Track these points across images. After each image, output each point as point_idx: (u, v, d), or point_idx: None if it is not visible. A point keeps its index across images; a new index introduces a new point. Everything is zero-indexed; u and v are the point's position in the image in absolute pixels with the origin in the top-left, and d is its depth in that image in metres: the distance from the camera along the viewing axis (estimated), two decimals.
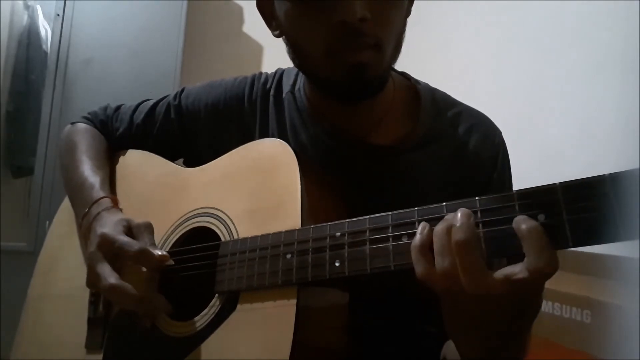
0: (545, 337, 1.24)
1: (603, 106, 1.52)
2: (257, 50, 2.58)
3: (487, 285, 0.41)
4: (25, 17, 2.28)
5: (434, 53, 2.24)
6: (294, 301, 0.51)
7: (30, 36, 2.25)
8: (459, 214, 0.43)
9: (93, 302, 0.71)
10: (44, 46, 2.25)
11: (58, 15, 2.01)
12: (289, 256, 0.53)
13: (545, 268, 0.39)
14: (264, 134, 0.73)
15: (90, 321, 0.70)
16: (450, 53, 2.19)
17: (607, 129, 1.49)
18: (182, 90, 0.82)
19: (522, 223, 0.40)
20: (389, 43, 0.60)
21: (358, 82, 0.59)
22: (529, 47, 1.82)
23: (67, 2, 2.01)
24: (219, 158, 0.70)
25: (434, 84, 0.75)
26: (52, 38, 2.06)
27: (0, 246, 1.93)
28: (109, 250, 0.62)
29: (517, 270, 0.40)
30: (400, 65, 0.73)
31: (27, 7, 2.29)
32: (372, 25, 0.56)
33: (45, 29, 2.28)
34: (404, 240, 0.47)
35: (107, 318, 0.69)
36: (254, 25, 2.57)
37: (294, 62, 0.66)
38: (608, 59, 1.53)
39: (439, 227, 0.43)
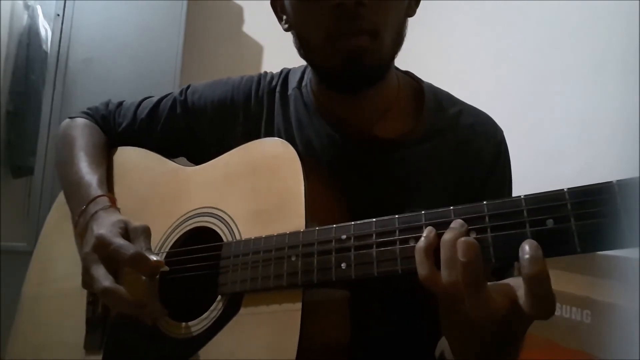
0: (545, 337, 1.24)
1: (603, 106, 1.52)
2: (257, 50, 2.58)
3: (488, 306, 0.42)
4: (25, 17, 2.28)
5: (434, 53, 2.24)
6: (300, 303, 0.51)
7: (30, 36, 2.24)
8: (463, 231, 0.43)
9: (92, 302, 0.70)
10: (44, 46, 2.25)
11: (58, 15, 2.00)
12: (293, 258, 0.53)
13: (539, 315, 0.41)
14: (270, 130, 0.73)
15: (89, 321, 0.69)
16: (450, 53, 2.19)
17: (607, 129, 1.49)
18: (188, 87, 0.82)
19: (530, 265, 0.39)
20: (386, 31, 0.61)
21: (354, 68, 0.61)
22: (529, 46, 1.82)
23: (67, 2, 2.01)
24: (219, 157, 0.69)
25: (433, 83, 0.76)
26: (52, 38, 2.06)
27: (0, 246, 1.93)
28: (105, 253, 0.61)
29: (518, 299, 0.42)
30: (400, 65, 0.74)
31: (27, 7, 2.29)
32: (369, 11, 0.58)
33: (45, 29, 2.27)
34: (411, 243, 0.46)
35: (106, 318, 0.68)
36: (254, 25, 2.57)
37: (299, 53, 0.67)
38: (608, 59, 1.53)
39: (447, 237, 0.43)
